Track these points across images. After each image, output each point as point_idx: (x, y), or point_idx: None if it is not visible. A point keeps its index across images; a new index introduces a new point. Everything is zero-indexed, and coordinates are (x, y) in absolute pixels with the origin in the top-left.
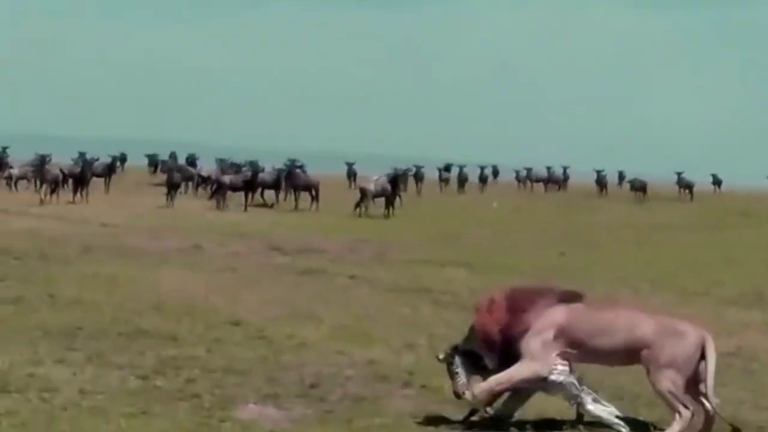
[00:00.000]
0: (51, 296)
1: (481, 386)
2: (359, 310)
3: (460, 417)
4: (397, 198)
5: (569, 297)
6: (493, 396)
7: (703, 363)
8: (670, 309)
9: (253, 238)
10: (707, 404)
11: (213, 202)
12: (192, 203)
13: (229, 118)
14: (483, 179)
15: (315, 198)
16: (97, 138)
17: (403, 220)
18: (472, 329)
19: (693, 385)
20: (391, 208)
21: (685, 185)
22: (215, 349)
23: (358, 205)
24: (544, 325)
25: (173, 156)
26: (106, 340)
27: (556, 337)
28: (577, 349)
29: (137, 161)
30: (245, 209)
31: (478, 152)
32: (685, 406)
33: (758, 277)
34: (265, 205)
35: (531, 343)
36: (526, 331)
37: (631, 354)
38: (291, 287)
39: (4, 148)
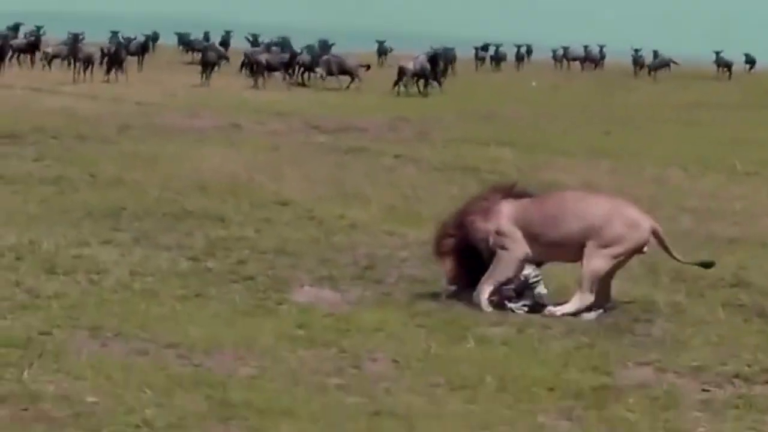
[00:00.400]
0: (92, 176)
1: (481, 296)
2: (407, 189)
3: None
4: (437, 77)
5: (515, 194)
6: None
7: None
8: (722, 191)
9: (292, 116)
10: (679, 258)
11: (249, 81)
12: (227, 81)
13: None
14: (519, 58)
15: (354, 79)
16: (124, 14)
17: (441, 98)
18: None
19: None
20: (430, 87)
21: (723, 64)
22: (264, 230)
23: (396, 83)
24: (499, 222)
25: (206, 36)
26: (151, 220)
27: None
28: (535, 242)
29: (167, 40)
30: (288, 87)
31: (511, 31)
32: (592, 293)
33: None
34: (302, 84)
35: (495, 240)
36: (486, 237)
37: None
38: (335, 166)
39: (39, 28)
